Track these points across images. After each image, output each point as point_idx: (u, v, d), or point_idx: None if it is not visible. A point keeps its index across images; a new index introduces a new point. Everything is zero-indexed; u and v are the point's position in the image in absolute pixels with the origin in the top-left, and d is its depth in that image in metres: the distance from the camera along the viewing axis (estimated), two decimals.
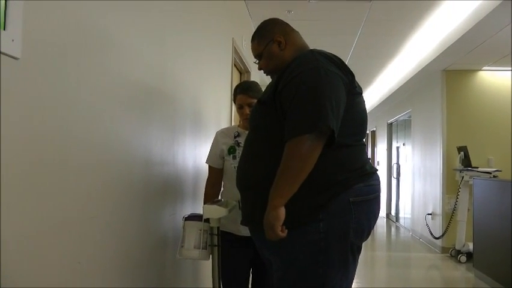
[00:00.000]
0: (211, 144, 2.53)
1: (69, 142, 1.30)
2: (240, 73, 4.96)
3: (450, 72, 6.54)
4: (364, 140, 1.80)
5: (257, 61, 1.97)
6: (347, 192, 1.63)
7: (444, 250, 6.49)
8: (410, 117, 8.56)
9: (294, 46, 1.88)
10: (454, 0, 4.50)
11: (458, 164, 6.18)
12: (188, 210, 2.50)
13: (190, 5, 2.59)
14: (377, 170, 1.81)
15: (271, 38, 1.88)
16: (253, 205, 1.75)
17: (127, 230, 1.75)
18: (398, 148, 10.16)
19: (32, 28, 1.09)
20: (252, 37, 1.97)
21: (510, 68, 6.24)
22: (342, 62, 1.72)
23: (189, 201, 2.65)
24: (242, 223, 1.86)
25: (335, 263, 1.64)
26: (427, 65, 6.14)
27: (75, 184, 1.33)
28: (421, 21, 5.31)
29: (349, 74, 1.70)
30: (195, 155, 2.77)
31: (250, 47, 2.00)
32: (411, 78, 6.98)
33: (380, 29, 5.59)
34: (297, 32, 1.95)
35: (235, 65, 4.40)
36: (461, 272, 5.58)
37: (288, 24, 1.95)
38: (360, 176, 1.68)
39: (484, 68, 6.43)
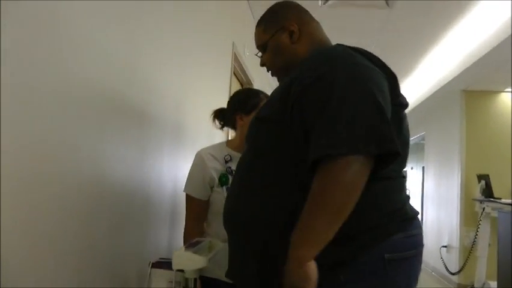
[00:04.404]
0: (190, 166, 1.95)
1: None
2: (241, 84, 4.44)
3: (470, 92, 6.09)
4: (405, 170, 1.28)
5: (260, 53, 1.48)
6: (381, 245, 1.13)
7: (460, 287, 5.97)
8: (422, 140, 8.15)
9: (310, 40, 1.39)
10: (477, 15, 4.16)
11: (478, 194, 5.70)
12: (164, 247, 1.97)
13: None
14: (418, 213, 1.28)
15: (281, 25, 1.39)
16: (244, 253, 1.27)
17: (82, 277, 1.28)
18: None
19: None
20: (258, 22, 1.49)
21: None
22: (382, 62, 1.24)
23: (165, 234, 2.13)
24: (227, 276, 1.35)
25: None
26: (446, 84, 5.73)
27: None
28: (441, 35, 4.90)
29: (391, 78, 1.22)
30: (175, 175, 2.26)
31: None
32: (427, 98, 6.56)
33: (396, 41, 5.20)
34: (318, 23, 1.45)
35: (235, 74, 3.90)
36: None
37: (307, 11, 1.46)
38: (400, 221, 1.18)
39: (507, 89, 5.99)
